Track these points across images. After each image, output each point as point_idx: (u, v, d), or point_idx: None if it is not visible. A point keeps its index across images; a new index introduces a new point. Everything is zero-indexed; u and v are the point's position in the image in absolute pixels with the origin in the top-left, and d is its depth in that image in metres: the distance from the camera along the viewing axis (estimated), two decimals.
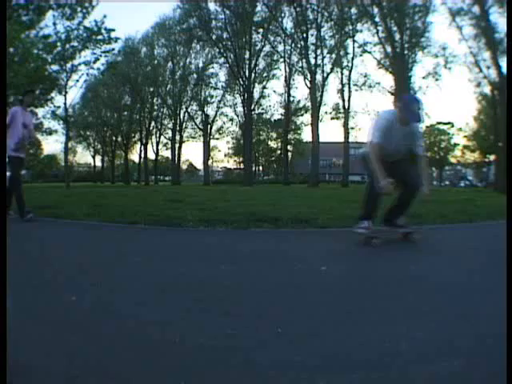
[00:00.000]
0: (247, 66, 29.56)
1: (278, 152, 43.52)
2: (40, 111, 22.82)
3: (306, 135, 36.42)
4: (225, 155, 49.25)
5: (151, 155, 43.03)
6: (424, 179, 3.41)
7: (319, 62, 27.59)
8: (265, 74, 32.50)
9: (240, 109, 33.53)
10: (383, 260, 2.84)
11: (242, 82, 29.77)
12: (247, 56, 29.60)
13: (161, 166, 47.83)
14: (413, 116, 3.35)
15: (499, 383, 1.08)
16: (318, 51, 27.49)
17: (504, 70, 17.42)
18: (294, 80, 32.65)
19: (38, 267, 2.48)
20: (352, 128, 29.09)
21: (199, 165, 50.58)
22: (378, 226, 3.58)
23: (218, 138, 38.93)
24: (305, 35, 26.85)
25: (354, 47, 26.84)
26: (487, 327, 1.50)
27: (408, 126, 3.40)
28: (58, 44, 20.94)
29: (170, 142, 38.81)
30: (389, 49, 21.45)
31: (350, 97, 28.55)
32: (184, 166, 55.16)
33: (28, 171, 44.40)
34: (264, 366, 1.20)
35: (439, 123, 44.78)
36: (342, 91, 28.65)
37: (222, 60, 31.83)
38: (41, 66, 18.16)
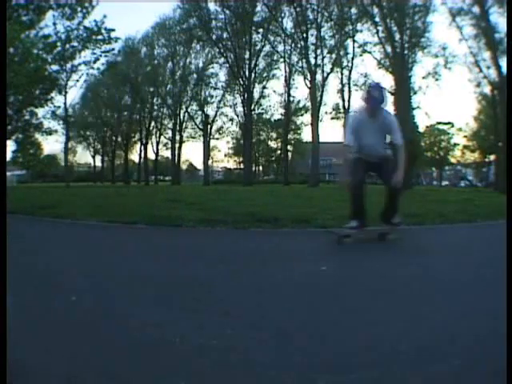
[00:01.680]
0: (247, 66, 29.55)
1: (278, 152, 43.48)
2: (40, 111, 22.79)
3: (306, 135, 36.38)
4: (225, 155, 49.15)
5: (151, 155, 43.04)
6: (398, 169, 3.39)
7: (319, 61, 27.57)
8: (265, 74, 32.44)
9: (240, 109, 33.49)
10: (383, 260, 2.84)
11: (241, 82, 29.77)
12: (247, 56, 29.58)
13: (161, 166, 47.78)
14: (374, 100, 3.41)
15: (499, 383, 1.08)
16: (318, 51, 27.46)
17: (504, 70, 17.43)
18: (293, 80, 32.57)
19: (38, 267, 2.48)
20: None
21: (199, 165, 50.45)
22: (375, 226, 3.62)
23: (217, 138, 38.88)
24: (305, 35, 26.82)
25: (353, 47, 26.82)
26: (487, 327, 1.50)
27: (379, 118, 3.45)
28: (58, 44, 20.95)
29: (169, 142, 38.79)
30: (389, 49, 21.40)
31: (350, 97, 28.53)
32: (184, 166, 55.03)
33: (28, 171, 44.33)
34: (264, 365, 1.20)
35: (439, 123, 44.68)
36: (342, 91, 28.63)
37: (221, 60, 31.81)
38: (41, 66, 18.17)
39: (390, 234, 3.52)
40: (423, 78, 23.80)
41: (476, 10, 18.92)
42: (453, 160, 48.43)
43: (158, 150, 40.85)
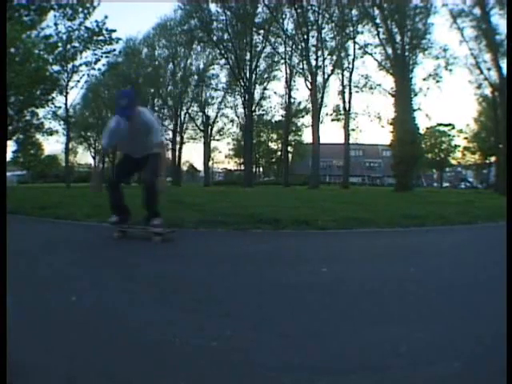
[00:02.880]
0: (248, 68, 29.58)
1: (279, 153, 43.47)
2: (41, 111, 22.82)
3: (307, 137, 36.37)
4: (225, 156, 49.02)
5: None
6: (157, 168, 3.52)
7: (320, 63, 27.57)
8: (265, 76, 32.46)
9: (241, 110, 33.52)
10: (383, 261, 2.84)
11: (242, 84, 29.80)
12: (248, 57, 29.62)
13: None
14: (119, 109, 3.48)
15: None
16: (319, 53, 27.47)
17: (504, 71, 17.44)
18: (294, 81, 32.56)
19: (38, 267, 2.48)
20: (352, 130, 29.12)
21: (200, 166, 50.38)
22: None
23: (218, 140, 38.89)
24: (305, 37, 26.82)
25: (354, 49, 26.86)
26: (487, 327, 1.50)
27: (135, 121, 3.47)
28: (60, 44, 20.98)
29: (170, 143, 38.81)
30: (390, 50, 21.44)
31: (350, 98, 28.58)
32: (184, 167, 55.00)
33: (28, 171, 44.35)
34: (264, 366, 1.20)
35: (440, 125, 44.64)
36: (342, 93, 28.67)
37: (222, 61, 31.84)
38: (42, 66, 18.16)
39: (160, 235, 3.44)
40: (424, 79, 23.83)
41: (477, 11, 18.96)
42: (453, 162, 48.41)
43: None
